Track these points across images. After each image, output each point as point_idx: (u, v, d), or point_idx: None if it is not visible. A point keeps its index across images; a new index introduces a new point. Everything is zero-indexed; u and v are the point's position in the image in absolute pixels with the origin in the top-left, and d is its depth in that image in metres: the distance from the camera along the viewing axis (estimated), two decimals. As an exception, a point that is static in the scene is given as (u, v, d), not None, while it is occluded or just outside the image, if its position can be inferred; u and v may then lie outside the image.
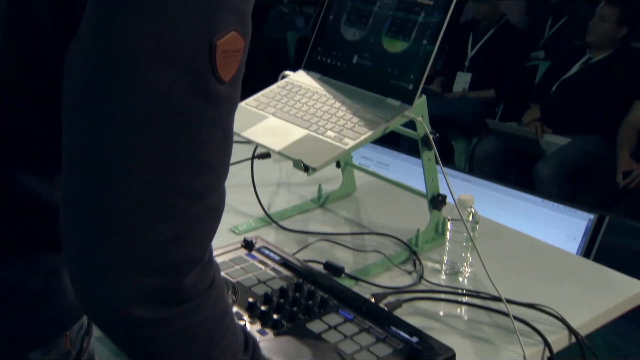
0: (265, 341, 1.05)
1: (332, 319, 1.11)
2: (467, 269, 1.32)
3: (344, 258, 1.37)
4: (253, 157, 1.54)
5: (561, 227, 2.69)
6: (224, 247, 1.30)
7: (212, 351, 0.71)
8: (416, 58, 1.29)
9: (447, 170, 3.30)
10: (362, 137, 1.24)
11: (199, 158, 0.65)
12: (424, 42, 1.29)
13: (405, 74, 1.30)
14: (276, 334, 1.07)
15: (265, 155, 1.58)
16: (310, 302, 1.13)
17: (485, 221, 1.57)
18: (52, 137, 0.67)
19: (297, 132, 1.29)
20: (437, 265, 1.36)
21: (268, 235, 1.44)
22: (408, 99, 1.29)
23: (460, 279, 1.32)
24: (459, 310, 1.23)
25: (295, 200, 1.59)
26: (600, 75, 3.74)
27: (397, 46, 1.33)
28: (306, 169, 1.20)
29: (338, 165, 1.58)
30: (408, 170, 3.25)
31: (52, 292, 0.74)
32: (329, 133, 1.27)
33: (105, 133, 0.61)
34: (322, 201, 1.57)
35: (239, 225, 1.46)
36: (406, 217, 1.49)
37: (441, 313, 1.21)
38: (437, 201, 1.39)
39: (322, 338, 1.06)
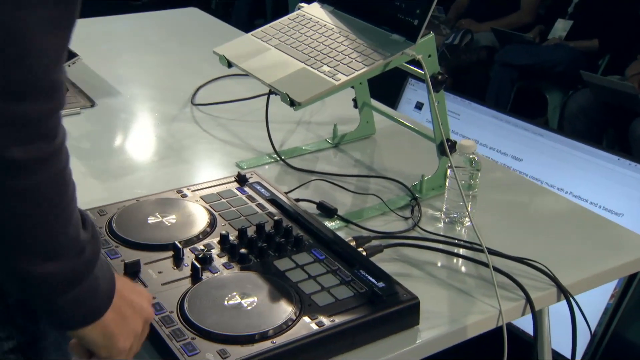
0: (225, 274, 1.04)
1: (302, 258, 1.09)
2: (466, 218, 1.25)
3: (342, 199, 1.33)
4: (269, 93, 1.51)
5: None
6: (217, 180, 1.29)
7: (59, 216, 0.70)
8: (424, -8, 1.21)
9: (534, 128, 3.10)
10: (355, 74, 1.19)
11: None
12: (433, -26, 1.21)
13: (412, 8, 1.23)
14: (241, 269, 1.06)
15: (284, 91, 1.54)
16: (283, 240, 1.11)
17: (502, 171, 1.50)
18: None
19: (293, 66, 1.25)
20: (437, 214, 1.30)
21: (272, 172, 1.42)
22: (412, 36, 1.22)
23: (458, 229, 1.26)
24: (443, 260, 1.17)
25: (312, 139, 1.56)
26: None
27: (407, -21, 1.25)
28: (292, 103, 1.17)
29: (356, 105, 1.53)
30: (479, 122, 3.12)
31: None
32: (324, 68, 1.22)
33: None
34: (336, 141, 1.53)
35: (246, 160, 1.45)
36: (421, 164, 1.42)
37: (424, 261, 1.16)
38: (445, 147, 1.32)
39: (285, 276, 1.04)
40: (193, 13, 2.48)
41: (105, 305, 0.77)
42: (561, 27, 4.36)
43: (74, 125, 1.60)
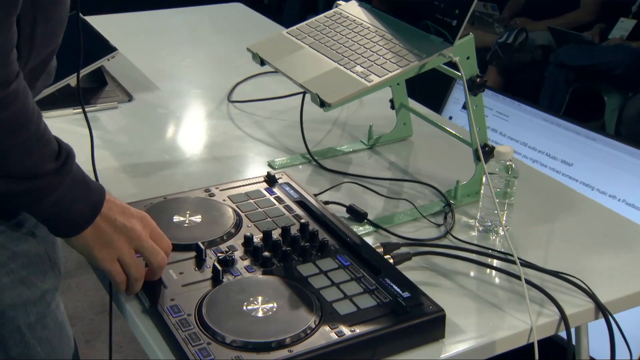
0: (246, 278, 1.02)
1: (327, 263, 1.06)
2: (502, 227, 1.20)
3: (373, 203, 1.29)
4: (304, 92, 1.48)
5: None
6: (246, 179, 1.27)
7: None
8: (463, -9, 1.17)
9: (586, 132, 2.97)
10: (389, 75, 1.15)
11: None
12: (474, -28, 1.16)
13: (451, 9, 1.18)
14: (263, 273, 1.03)
15: (320, 90, 1.51)
16: (308, 244, 1.08)
17: (542, 178, 1.44)
18: None
19: (326, 65, 1.22)
20: (471, 222, 1.25)
21: (304, 173, 1.39)
22: (450, 37, 1.17)
23: (492, 238, 1.21)
24: (474, 271, 1.12)
25: (347, 139, 1.53)
26: None
27: (447, -23, 1.21)
28: (322, 104, 1.13)
29: (393, 106, 1.49)
30: (529, 124, 3.04)
31: None
32: (357, 68, 1.19)
33: None
34: (371, 143, 1.49)
35: (278, 160, 1.42)
36: (457, 168, 1.37)
37: (454, 271, 1.12)
38: (483, 152, 1.27)
39: (307, 282, 1.01)
40: (237, 8, 2.47)
41: (86, 222, 0.90)
42: (623, 27, 4.20)
43: (111, 120, 1.60)
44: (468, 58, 1.20)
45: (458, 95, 3.27)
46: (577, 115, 3.46)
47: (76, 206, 0.89)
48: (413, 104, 1.55)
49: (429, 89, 2.30)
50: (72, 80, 1.56)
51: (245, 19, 2.38)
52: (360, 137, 1.53)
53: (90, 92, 1.69)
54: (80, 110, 1.60)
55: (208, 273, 1.03)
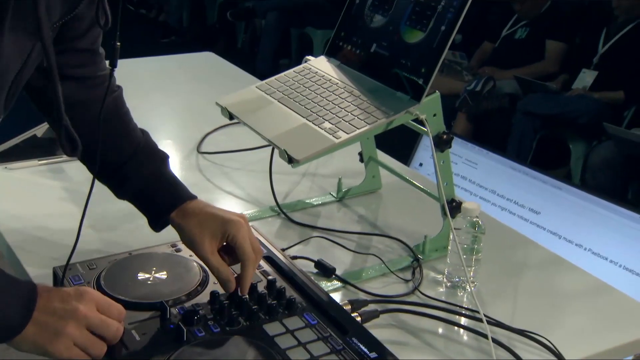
0: (210, 339, 1.00)
1: (294, 322, 1.04)
2: (469, 284, 1.20)
3: (342, 258, 1.29)
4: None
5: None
6: (214, 235, 1.26)
7: None
8: (430, 50, 1.19)
9: (553, 181, 2.98)
10: (357, 132, 1.16)
11: None
12: (440, 33, 1.18)
13: (418, 67, 1.20)
14: (229, 332, 1.02)
15: (289, 143, 1.52)
16: (275, 302, 1.07)
17: (509, 233, 1.44)
18: None
19: (295, 121, 1.22)
20: (439, 277, 1.25)
21: (273, 226, 1.39)
22: (416, 95, 1.19)
23: (460, 294, 1.21)
24: (442, 328, 1.12)
25: (316, 191, 1.53)
26: None
27: (414, 36, 1.23)
28: (290, 160, 1.13)
29: (362, 159, 1.50)
30: (496, 171, 3.07)
31: None
32: (326, 124, 1.19)
33: None
34: (340, 195, 1.50)
35: (246, 213, 1.41)
36: (426, 222, 1.38)
37: (422, 329, 1.11)
38: (450, 207, 1.28)
39: (274, 342, 1.00)
40: (209, 58, 2.49)
41: (20, 324, 0.88)
42: (585, 78, 4.30)
43: (78, 170, 1.58)
44: (434, 115, 1.21)
45: (428, 142, 3.30)
46: (545, 163, 3.51)
47: (7, 311, 0.88)
48: (382, 156, 1.56)
49: (399, 136, 2.32)
50: (38, 130, 1.55)
51: (217, 69, 2.39)
52: (329, 190, 1.53)
53: (56, 142, 1.66)
54: (46, 161, 1.59)
55: (172, 333, 1.01)
